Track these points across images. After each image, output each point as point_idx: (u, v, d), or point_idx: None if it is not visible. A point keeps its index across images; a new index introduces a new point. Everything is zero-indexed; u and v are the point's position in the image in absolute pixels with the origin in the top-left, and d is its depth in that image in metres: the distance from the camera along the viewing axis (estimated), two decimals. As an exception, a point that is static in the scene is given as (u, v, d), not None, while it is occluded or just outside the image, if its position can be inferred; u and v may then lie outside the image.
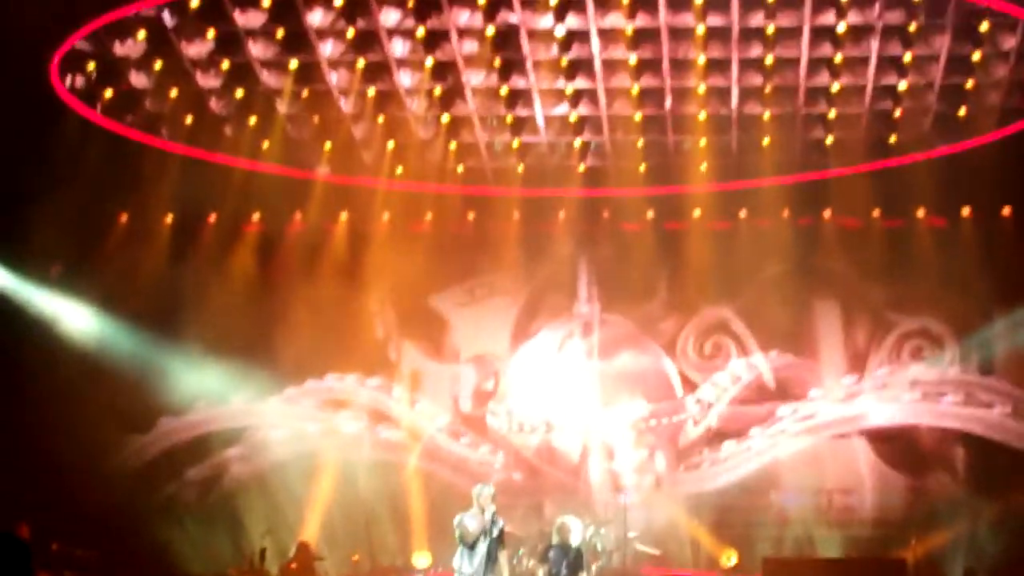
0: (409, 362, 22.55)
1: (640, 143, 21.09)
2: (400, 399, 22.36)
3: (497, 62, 18.97)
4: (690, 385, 22.33)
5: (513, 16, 17.82)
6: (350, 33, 18.29)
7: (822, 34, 18.14)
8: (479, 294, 22.68)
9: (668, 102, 19.87)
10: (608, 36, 18.30)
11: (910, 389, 21.73)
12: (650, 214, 22.02)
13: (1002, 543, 19.38)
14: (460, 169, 21.79)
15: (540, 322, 22.70)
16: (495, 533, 14.08)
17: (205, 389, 20.30)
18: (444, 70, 19.26)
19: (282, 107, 20.13)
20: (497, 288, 22.63)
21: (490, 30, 18.05)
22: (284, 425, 20.57)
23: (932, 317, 21.83)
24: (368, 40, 18.59)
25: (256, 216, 22.12)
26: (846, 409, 21.77)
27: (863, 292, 22.07)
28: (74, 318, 20.65)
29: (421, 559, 20.35)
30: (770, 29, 17.92)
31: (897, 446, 21.60)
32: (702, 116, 20.12)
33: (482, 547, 13.93)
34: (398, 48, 18.73)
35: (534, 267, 22.29)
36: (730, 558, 20.62)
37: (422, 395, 22.44)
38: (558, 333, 22.66)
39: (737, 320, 22.34)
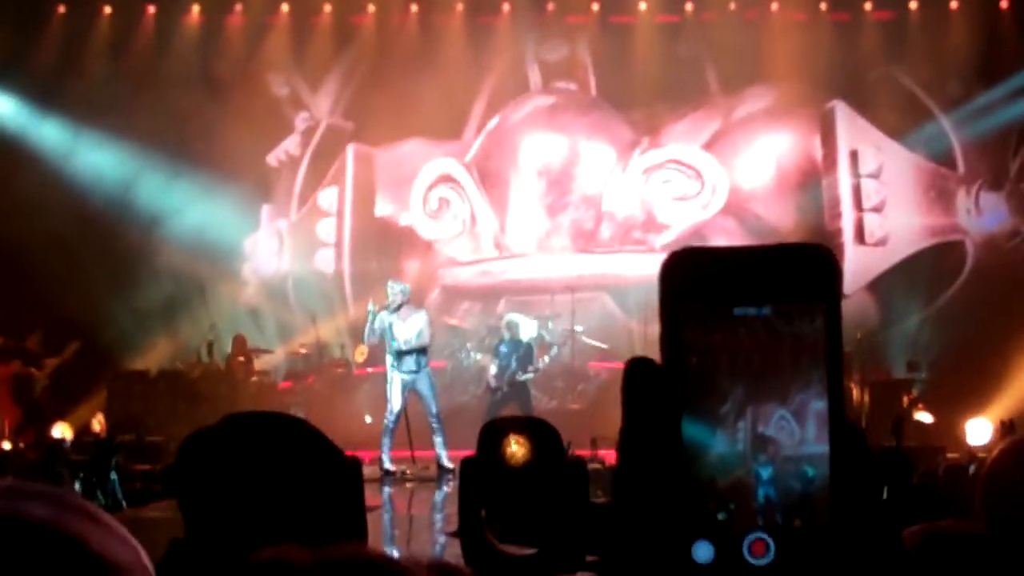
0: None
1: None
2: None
3: None
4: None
5: None
6: None
7: None
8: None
9: None
10: None
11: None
12: (595, 7, 21.63)
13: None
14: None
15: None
16: (421, 325, 14.49)
17: (143, 186, 20.12)
18: None
19: None
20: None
21: None
22: (227, 224, 20.45)
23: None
24: None
25: (196, 8, 21.59)
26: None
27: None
28: (11, 113, 20.37)
29: (358, 355, 20.57)
30: None
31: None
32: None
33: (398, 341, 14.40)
34: None
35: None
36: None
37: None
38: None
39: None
